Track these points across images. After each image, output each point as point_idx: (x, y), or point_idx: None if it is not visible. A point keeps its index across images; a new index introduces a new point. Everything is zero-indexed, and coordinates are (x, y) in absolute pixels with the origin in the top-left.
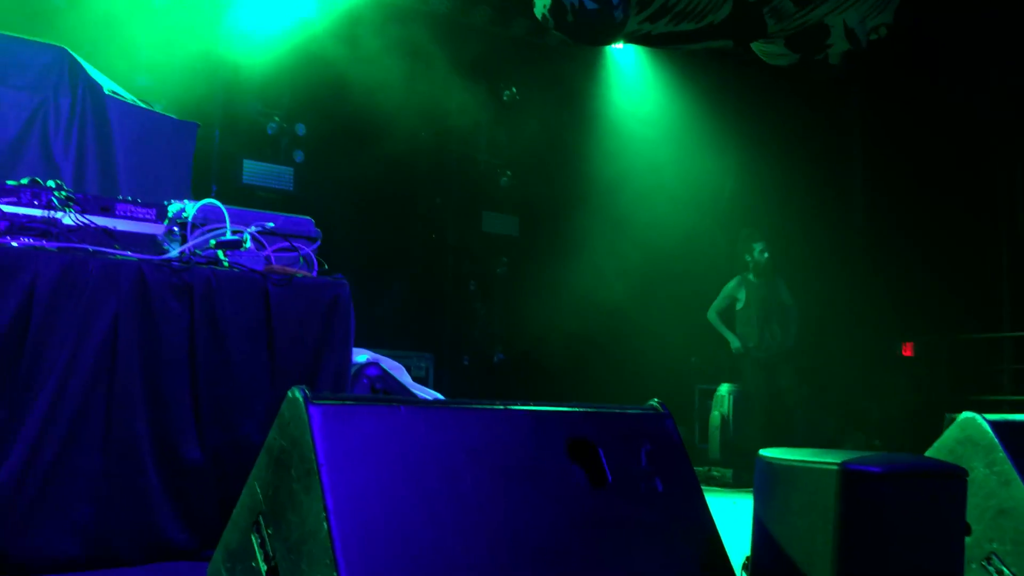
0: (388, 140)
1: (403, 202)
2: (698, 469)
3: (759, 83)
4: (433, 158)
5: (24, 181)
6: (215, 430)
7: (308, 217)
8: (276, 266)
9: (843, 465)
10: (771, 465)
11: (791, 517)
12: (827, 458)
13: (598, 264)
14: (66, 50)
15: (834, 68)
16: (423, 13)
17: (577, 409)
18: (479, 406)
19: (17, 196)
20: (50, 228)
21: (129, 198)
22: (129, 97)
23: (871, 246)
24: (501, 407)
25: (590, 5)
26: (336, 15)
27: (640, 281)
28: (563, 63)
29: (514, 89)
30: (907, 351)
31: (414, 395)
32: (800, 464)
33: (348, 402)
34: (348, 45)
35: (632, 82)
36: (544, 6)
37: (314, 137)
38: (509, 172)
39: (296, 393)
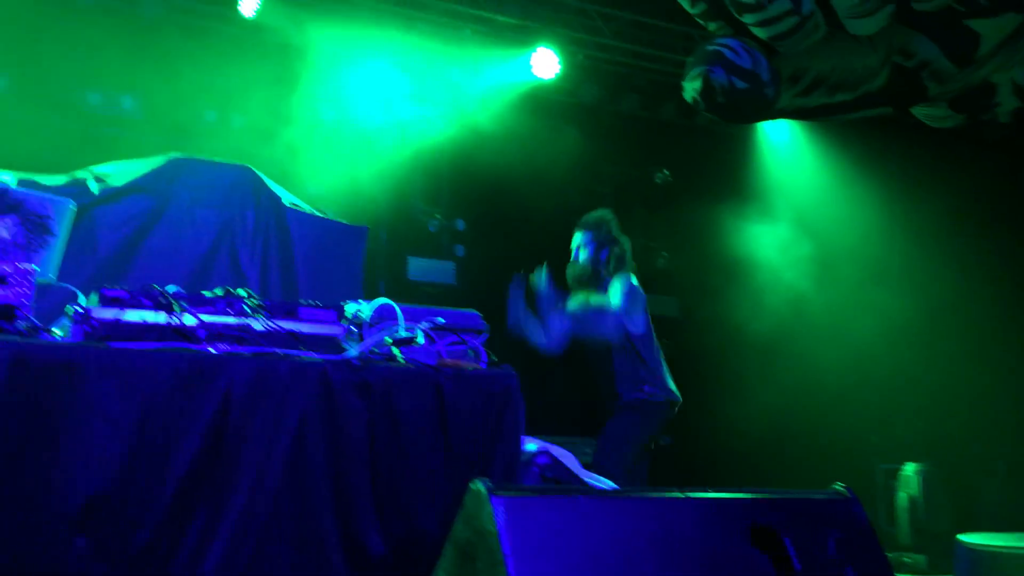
0: (544, 229)
1: (558, 289)
2: (888, 555)
3: (923, 147)
4: None
5: (219, 291)
6: (396, 522)
7: (474, 311)
8: (447, 360)
9: None
10: (974, 552)
11: None
12: None
13: (764, 342)
14: (249, 168)
15: (1005, 127)
16: (572, 105)
17: (758, 495)
18: (658, 494)
19: (214, 305)
20: (243, 334)
21: (311, 302)
22: (305, 207)
23: None
24: (680, 495)
25: (740, 85)
26: (488, 113)
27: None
28: (714, 142)
29: (666, 171)
30: None
31: (587, 483)
32: (1008, 551)
33: (529, 493)
34: (501, 140)
35: (787, 154)
36: (694, 89)
37: (473, 231)
38: (665, 253)
39: (479, 485)
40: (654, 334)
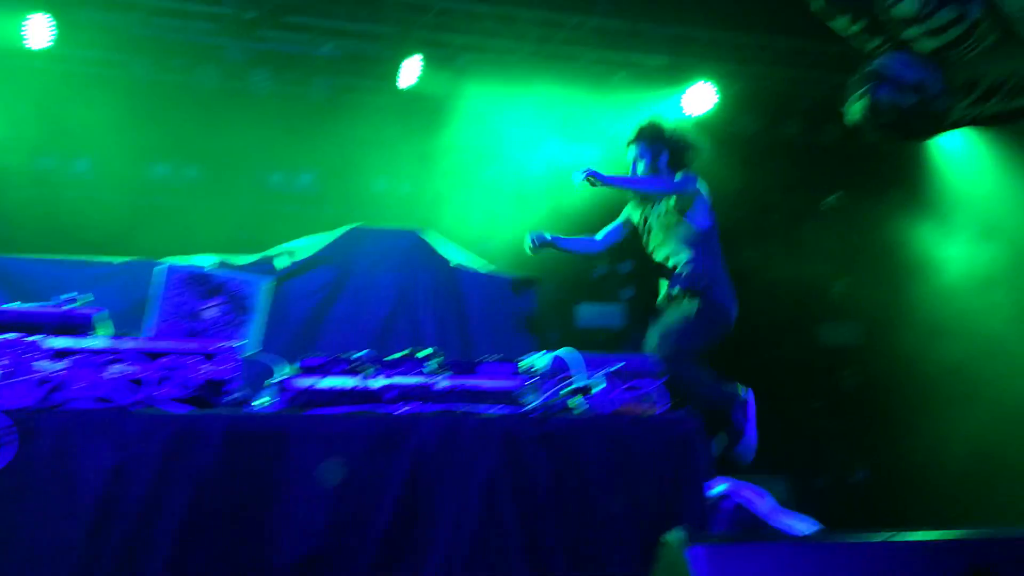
0: None
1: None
2: None
3: None
4: (760, 275)
5: (404, 353)
6: (589, 571)
7: (650, 355)
8: (626, 406)
9: None
10: None
11: None
12: None
13: (956, 367)
14: (419, 232)
15: None
16: (730, 136)
17: (974, 535)
18: (865, 538)
19: (400, 367)
20: (428, 393)
21: (489, 357)
22: (475, 264)
23: None
24: (889, 538)
25: (908, 101)
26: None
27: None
28: (884, 159)
29: (836, 195)
30: None
31: (780, 523)
32: None
33: (728, 541)
34: None
35: (964, 163)
36: (859, 110)
37: (640, 272)
38: (845, 279)
39: (675, 535)
40: (719, 243)
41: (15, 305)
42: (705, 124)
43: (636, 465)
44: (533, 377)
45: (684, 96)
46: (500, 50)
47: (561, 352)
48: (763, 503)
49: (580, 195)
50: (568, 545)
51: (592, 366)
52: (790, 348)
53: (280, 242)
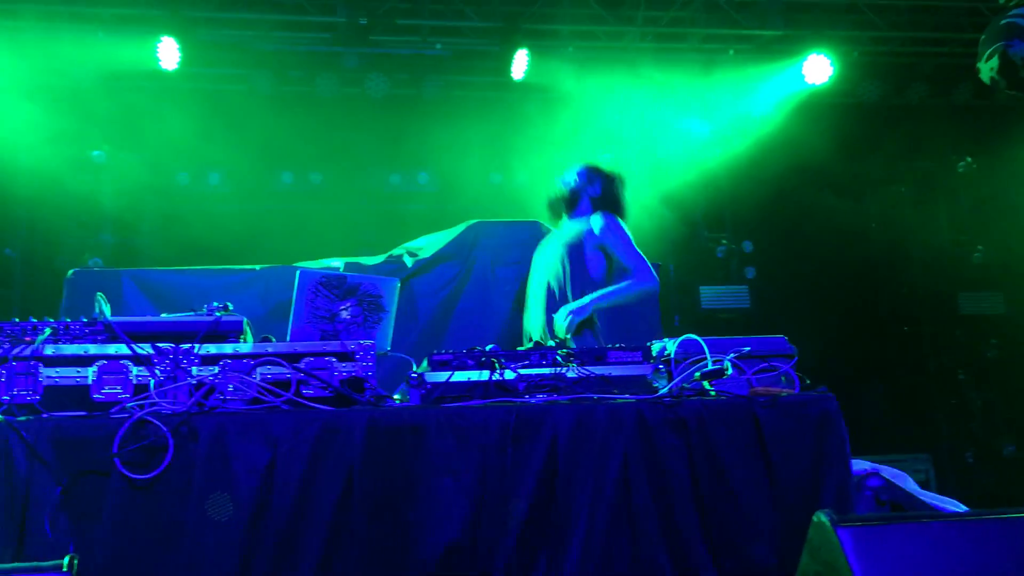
0: (835, 237)
1: (863, 297)
2: None
3: None
4: (888, 247)
5: (530, 345)
6: (728, 556)
7: (781, 336)
8: (759, 388)
9: None
10: None
11: None
12: None
13: None
14: (539, 223)
15: None
16: (853, 105)
17: None
18: (1017, 516)
19: (528, 359)
20: (558, 383)
21: (617, 345)
22: None
23: None
24: None
25: None
26: (765, 129)
27: None
28: (1018, 119)
29: (969, 159)
30: None
31: (928, 505)
32: None
33: (876, 522)
34: (780, 154)
35: None
36: (991, 68)
37: (762, 250)
38: (981, 247)
39: (822, 517)
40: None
41: (170, 316)
42: (823, 94)
43: (773, 448)
44: (664, 363)
45: (804, 66)
46: (608, 35)
47: (692, 336)
48: (908, 483)
49: (695, 175)
50: (706, 530)
51: (724, 349)
52: (930, 320)
53: (402, 241)
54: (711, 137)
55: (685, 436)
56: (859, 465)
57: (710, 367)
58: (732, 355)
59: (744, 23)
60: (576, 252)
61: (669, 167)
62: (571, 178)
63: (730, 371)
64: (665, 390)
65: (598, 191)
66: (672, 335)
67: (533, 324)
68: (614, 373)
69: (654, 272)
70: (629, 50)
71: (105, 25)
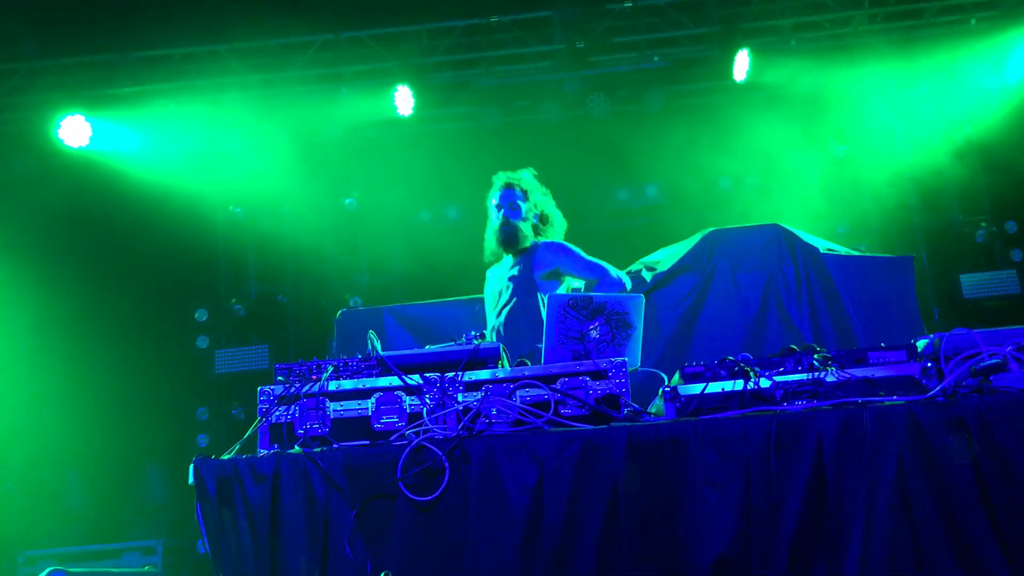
0: None
1: None
2: None
3: None
4: None
5: (782, 351)
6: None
7: None
8: None
9: None
10: None
11: None
12: None
13: None
14: (779, 225)
15: None
16: None
17: None
18: None
19: (783, 365)
20: (817, 388)
21: (879, 345)
22: (841, 249)
23: None
24: None
25: None
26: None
27: None
28: None
29: None
30: None
31: None
32: None
33: None
34: None
35: None
36: None
37: None
38: None
39: None
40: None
41: (434, 347)
42: None
43: None
44: (932, 360)
45: None
46: (832, 23)
47: (960, 329)
48: None
49: (930, 162)
50: (1001, 539)
51: (1000, 341)
52: None
53: (636, 257)
54: (959, 113)
55: (965, 437)
56: None
57: (986, 362)
58: (1011, 347)
59: None
60: (526, 285)
61: (913, 151)
62: (500, 216)
63: (1010, 365)
64: (937, 389)
65: (533, 219)
66: (932, 330)
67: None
68: (877, 374)
69: (619, 274)
70: (858, 34)
71: (346, 82)
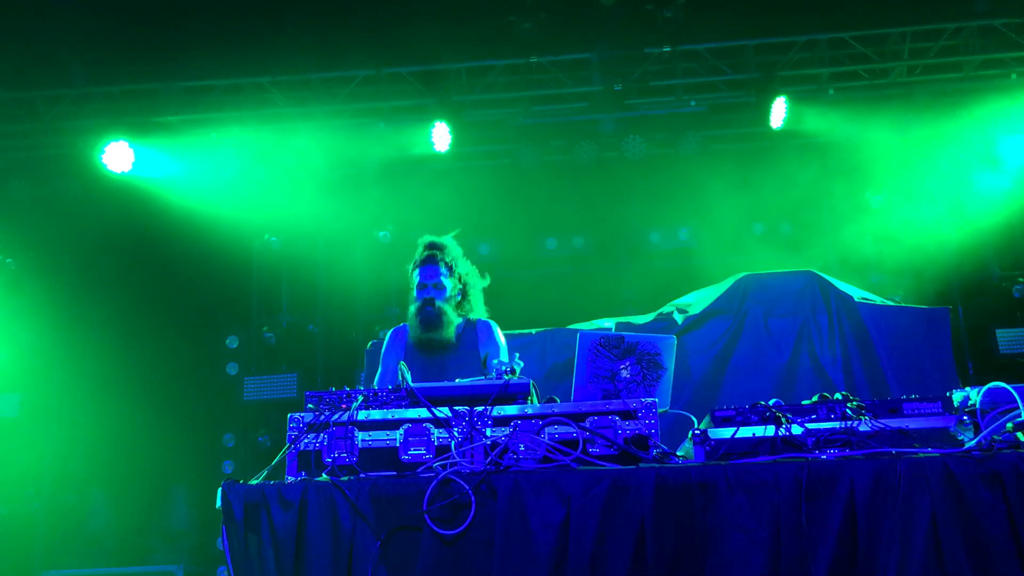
0: None
1: None
2: None
3: None
4: None
5: (815, 399)
6: None
7: None
8: None
9: None
10: None
11: None
12: None
13: None
14: (813, 272)
15: None
16: None
17: None
18: None
19: (815, 413)
20: (851, 437)
21: (914, 396)
22: (876, 299)
23: None
24: None
25: None
26: None
27: None
28: None
29: None
30: None
31: None
32: None
33: None
34: None
35: None
36: None
37: None
38: None
39: None
40: None
41: (463, 380)
42: None
43: None
44: (968, 413)
45: None
46: (871, 74)
47: (997, 383)
48: None
49: (966, 216)
50: None
51: None
52: None
53: (667, 299)
54: (997, 166)
55: (1001, 491)
56: None
57: None
58: None
59: None
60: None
61: (949, 205)
62: (421, 297)
63: None
64: (974, 442)
65: (456, 295)
66: (967, 384)
67: None
68: (911, 425)
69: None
70: (896, 85)
71: (385, 117)
